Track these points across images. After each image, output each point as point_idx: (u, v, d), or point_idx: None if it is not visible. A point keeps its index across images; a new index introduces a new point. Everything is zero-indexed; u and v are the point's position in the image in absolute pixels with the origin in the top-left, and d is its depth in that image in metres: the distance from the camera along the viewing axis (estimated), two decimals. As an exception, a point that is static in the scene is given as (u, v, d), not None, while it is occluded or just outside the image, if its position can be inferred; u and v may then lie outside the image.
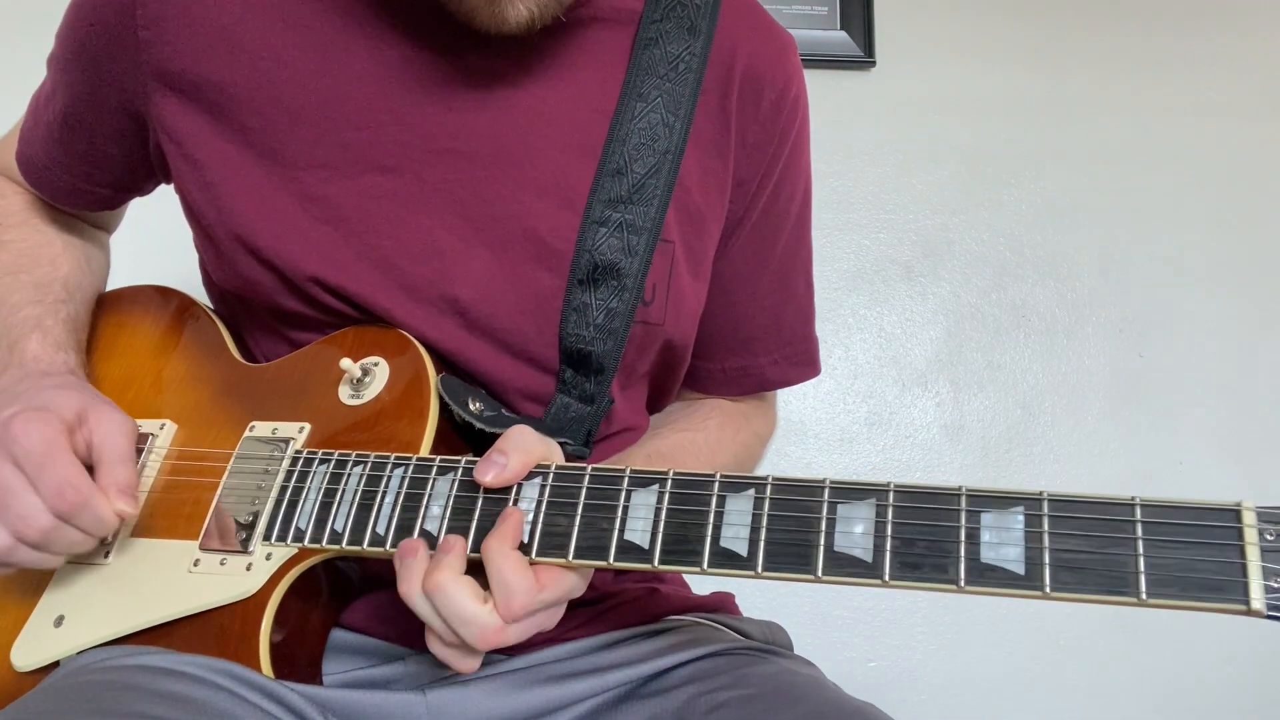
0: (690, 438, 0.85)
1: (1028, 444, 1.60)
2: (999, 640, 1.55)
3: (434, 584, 0.58)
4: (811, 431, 1.60)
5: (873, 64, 1.66)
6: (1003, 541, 0.52)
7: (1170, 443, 1.61)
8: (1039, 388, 1.62)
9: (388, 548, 0.63)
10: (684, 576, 0.91)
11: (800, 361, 0.91)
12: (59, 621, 0.68)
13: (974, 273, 1.65)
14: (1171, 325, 1.64)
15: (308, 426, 0.71)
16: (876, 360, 1.63)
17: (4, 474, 0.62)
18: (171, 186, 0.79)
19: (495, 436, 0.65)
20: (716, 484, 0.58)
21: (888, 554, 0.53)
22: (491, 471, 0.61)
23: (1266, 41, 1.72)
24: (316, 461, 0.68)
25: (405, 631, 0.74)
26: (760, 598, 1.52)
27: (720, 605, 0.84)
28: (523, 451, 0.62)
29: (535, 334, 0.73)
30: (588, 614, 0.78)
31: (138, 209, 0.94)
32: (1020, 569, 0.51)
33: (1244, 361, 1.63)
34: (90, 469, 0.65)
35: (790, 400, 1.55)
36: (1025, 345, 1.63)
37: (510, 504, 0.62)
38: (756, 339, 0.88)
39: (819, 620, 1.55)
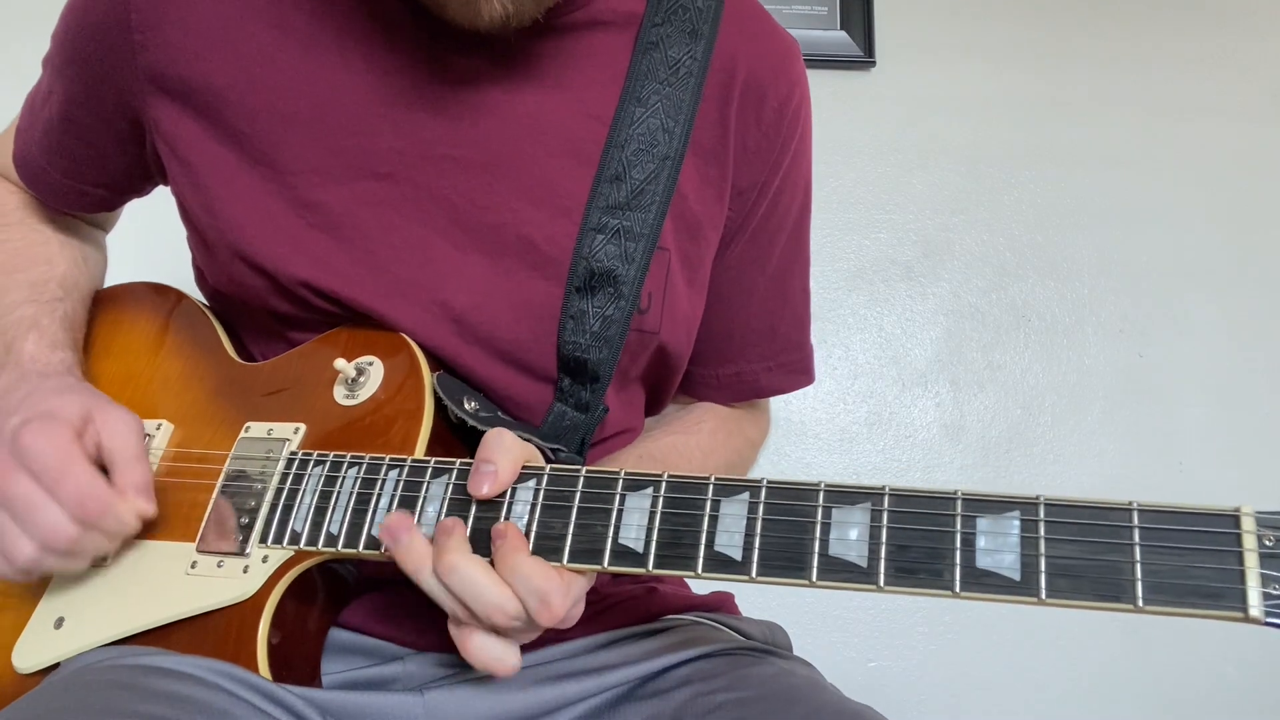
0: (683, 441, 0.85)
1: (1028, 444, 1.60)
2: (999, 640, 1.55)
3: (447, 565, 0.58)
4: (811, 431, 1.60)
5: (873, 64, 1.66)
6: (998, 548, 0.51)
7: (1170, 443, 1.60)
8: (1039, 388, 1.62)
9: (383, 551, 0.62)
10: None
11: (795, 369, 0.91)
12: (59, 623, 0.68)
13: (974, 273, 1.65)
14: (1171, 325, 1.64)
15: (303, 427, 0.71)
16: (876, 360, 1.63)
17: (24, 488, 0.62)
18: (169, 187, 0.79)
19: None
20: (711, 487, 0.58)
21: (882, 559, 0.53)
22: (486, 484, 0.61)
23: (1266, 42, 1.72)
24: (312, 463, 0.68)
25: (404, 632, 0.74)
26: (760, 597, 1.52)
27: (719, 605, 0.84)
28: (508, 453, 0.62)
29: (531, 342, 0.73)
30: (586, 613, 0.77)
31: (135, 205, 0.94)
32: (1016, 575, 0.51)
33: (1244, 361, 1.62)
34: (102, 468, 0.65)
35: (790, 400, 1.55)
36: (1025, 345, 1.63)
37: (504, 507, 0.61)
38: (751, 346, 0.88)
39: (819, 620, 1.55)
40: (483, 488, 0.61)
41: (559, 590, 0.58)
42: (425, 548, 0.59)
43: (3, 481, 0.63)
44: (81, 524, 0.63)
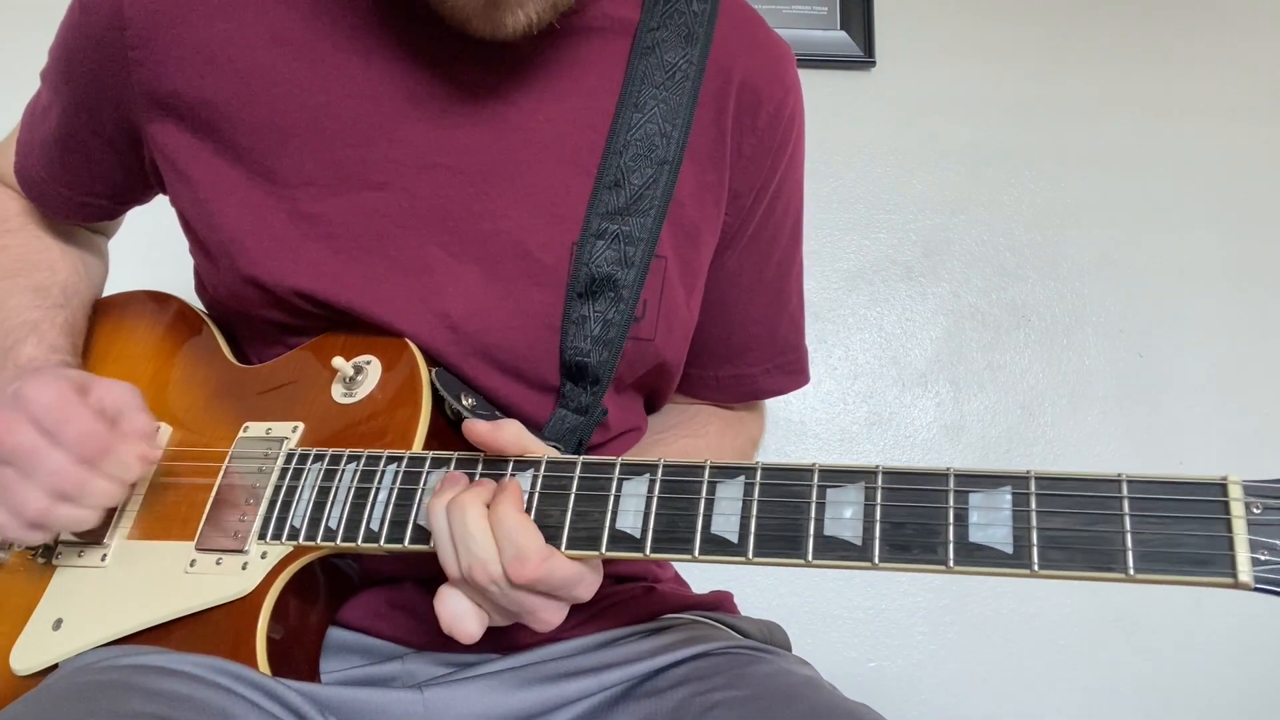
0: (694, 444, 0.86)
1: (1028, 444, 1.60)
2: (999, 640, 1.54)
3: (459, 503, 0.59)
4: (811, 431, 1.60)
5: (873, 64, 1.66)
6: (990, 521, 0.52)
7: (1170, 443, 1.60)
8: (1039, 388, 1.62)
9: (381, 544, 0.63)
10: (682, 575, 0.91)
11: (792, 370, 0.92)
12: (57, 624, 0.68)
13: (974, 273, 1.65)
14: (1171, 325, 1.63)
15: (301, 426, 0.71)
16: (876, 360, 1.63)
17: (27, 436, 0.63)
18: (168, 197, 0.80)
19: None
20: (707, 471, 0.59)
21: (877, 536, 0.54)
22: (485, 424, 0.62)
23: (1266, 41, 1.72)
24: (310, 460, 0.68)
25: (403, 630, 0.75)
26: (759, 597, 1.52)
27: (718, 604, 0.84)
28: (517, 431, 0.63)
29: (526, 349, 0.73)
30: (585, 612, 0.77)
31: (135, 213, 0.94)
32: (1008, 548, 0.51)
33: (1244, 361, 1.62)
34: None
35: (790, 400, 1.55)
36: (1025, 345, 1.63)
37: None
38: (751, 349, 0.89)
39: (818, 620, 1.54)
40: (479, 424, 0.62)
41: (538, 551, 0.58)
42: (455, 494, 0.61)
43: (5, 435, 0.63)
44: (86, 464, 0.63)
